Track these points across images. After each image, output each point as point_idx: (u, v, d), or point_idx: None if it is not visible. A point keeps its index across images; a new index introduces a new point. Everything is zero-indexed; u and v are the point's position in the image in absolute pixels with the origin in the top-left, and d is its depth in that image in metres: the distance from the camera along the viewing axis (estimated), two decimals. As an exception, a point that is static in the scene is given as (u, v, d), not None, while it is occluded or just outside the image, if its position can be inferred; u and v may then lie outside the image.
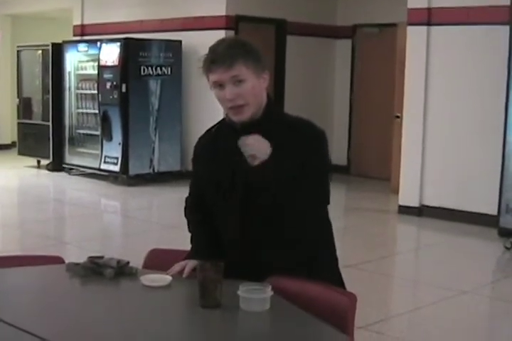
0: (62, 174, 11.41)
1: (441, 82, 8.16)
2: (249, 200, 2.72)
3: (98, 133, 10.67)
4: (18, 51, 12.48)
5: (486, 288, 5.97)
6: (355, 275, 5.76)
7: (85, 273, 2.74)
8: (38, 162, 12.09)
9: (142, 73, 10.20)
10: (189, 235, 3.00)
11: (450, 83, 8.11)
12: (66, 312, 2.47)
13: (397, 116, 9.39)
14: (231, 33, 10.12)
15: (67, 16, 13.15)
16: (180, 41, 10.58)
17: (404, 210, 8.46)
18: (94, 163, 10.75)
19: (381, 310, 5.25)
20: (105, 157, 10.53)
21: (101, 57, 10.46)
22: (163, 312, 2.48)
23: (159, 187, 10.24)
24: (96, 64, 10.61)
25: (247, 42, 2.81)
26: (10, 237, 7.41)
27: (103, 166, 10.59)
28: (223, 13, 10.24)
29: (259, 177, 2.61)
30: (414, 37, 8.29)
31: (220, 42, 2.75)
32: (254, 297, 2.37)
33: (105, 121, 10.42)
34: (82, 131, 11.17)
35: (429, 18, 8.12)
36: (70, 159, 11.39)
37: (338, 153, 11.26)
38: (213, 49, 2.72)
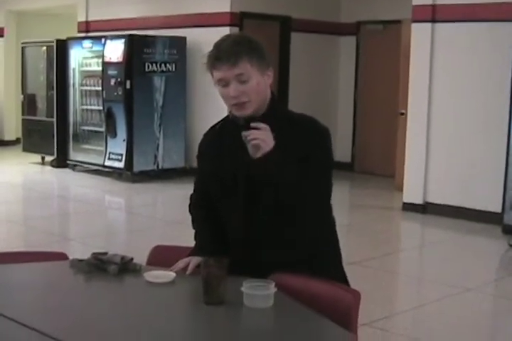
0: (67, 170, 11.42)
1: (445, 79, 8.15)
2: (252, 197, 2.72)
3: (102, 129, 10.68)
4: (22, 47, 12.48)
5: (490, 285, 5.97)
6: (359, 272, 5.76)
7: (89, 269, 2.74)
8: (43, 158, 12.10)
9: (146, 70, 10.20)
10: (193, 232, 3.00)
11: (454, 80, 8.09)
12: (70, 308, 2.47)
13: (402, 113, 9.39)
14: (235, 29, 10.12)
15: (72, 13, 13.16)
16: (184, 38, 10.58)
17: (409, 207, 8.45)
18: (98, 160, 10.76)
19: (385, 307, 5.25)
20: (109, 153, 10.54)
21: (105, 53, 10.46)
22: (167, 308, 2.49)
23: (163, 184, 10.24)
24: (100, 60, 10.61)
25: (252, 38, 2.80)
26: (14, 233, 7.42)
27: (107, 163, 10.60)
28: (228, 9, 10.24)
29: (261, 170, 2.59)
30: (419, 34, 8.28)
31: (225, 39, 2.74)
32: (258, 293, 2.38)
33: (109, 117, 10.43)
34: (86, 128, 11.18)
35: (433, 14, 8.11)
36: (75, 155, 11.40)
37: (342, 149, 11.26)
38: (218, 45, 2.71)
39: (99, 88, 10.63)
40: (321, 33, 11.42)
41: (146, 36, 10.40)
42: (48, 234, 7.28)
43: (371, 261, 6.43)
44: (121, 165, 10.34)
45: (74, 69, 11.32)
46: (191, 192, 3.08)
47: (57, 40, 11.51)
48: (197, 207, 3.03)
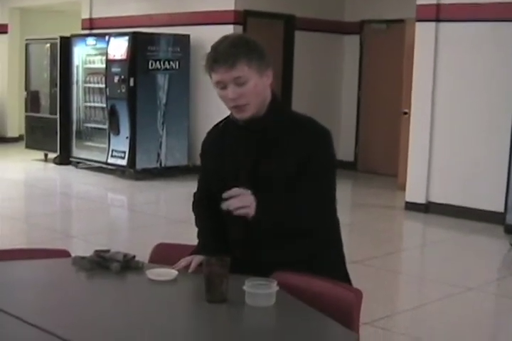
0: (70, 167, 11.43)
1: (449, 78, 8.14)
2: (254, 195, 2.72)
3: (105, 127, 10.69)
4: (26, 44, 12.49)
5: (492, 285, 5.97)
6: (361, 271, 5.77)
7: (91, 266, 2.74)
8: (46, 155, 12.11)
9: (150, 67, 10.20)
10: (196, 230, 3.00)
11: (458, 80, 8.09)
12: (72, 305, 2.48)
13: (405, 113, 9.38)
14: (239, 28, 10.13)
15: (76, 10, 13.16)
16: (188, 35, 10.58)
17: (411, 207, 8.45)
18: (101, 157, 10.77)
19: (387, 306, 5.25)
20: (112, 151, 10.54)
21: (109, 51, 10.47)
22: (169, 306, 2.49)
23: (166, 182, 10.25)
24: (104, 58, 10.61)
25: (251, 39, 2.77)
26: (17, 230, 7.42)
27: (110, 160, 10.60)
28: (232, 7, 10.24)
29: (263, 224, 2.63)
30: (423, 33, 8.27)
31: (223, 40, 2.71)
32: (260, 292, 2.38)
33: (113, 115, 10.43)
34: (89, 125, 11.18)
35: (437, 14, 8.10)
36: (78, 153, 11.41)
37: (345, 149, 11.27)
38: (215, 47, 2.68)
39: (103, 85, 10.64)
40: (324, 31, 11.41)
41: (149, 34, 10.39)
42: (50, 231, 7.29)
43: (373, 260, 6.43)
44: (124, 162, 10.35)
45: (77, 67, 11.33)
46: (194, 190, 3.09)
47: (61, 37, 11.51)
48: (200, 205, 3.03)
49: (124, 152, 10.31)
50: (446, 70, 8.14)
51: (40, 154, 12.12)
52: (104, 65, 10.60)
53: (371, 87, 11.41)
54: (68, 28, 13.02)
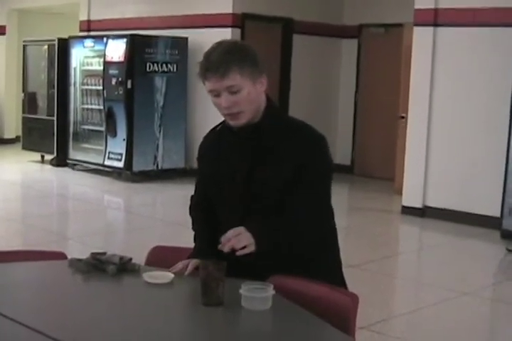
0: (66, 169, 11.42)
1: (446, 83, 8.15)
2: (249, 200, 2.72)
3: (102, 129, 10.68)
4: (24, 46, 12.48)
5: (488, 289, 5.97)
6: (357, 276, 5.76)
7: (88, 269, 2.74)
8: (42, 157, 12.10)
9: (148, 70, 10.20)
10: (192, 232, 3.00)
11: (455, 84, 8.10)
12: (68, 308, 2.48)
13: (402, 117, 9.39)
14: (237, 31, 10.12)
15: (74, 11, 13.16)
16: (186, 38, 10.58)
17: (408, 211, 8.46)
18: (98, 159, 10.77)
19: (383, 310, 5.25)
20: (109, 153, 10.54)
21: (107, 53, 10.47)
22: (165, 309, 2.49)
23: (163, 184, 10.25)
24: (102, 60, 10.61)
25: (244, 46, 2.76)
26: (13, 232, 7.41)
27: (107, 162, 10.60)
28: (230, 10, 10.24)
29: (269, 250, 2.61)
30: (421, 37, 8.28)
31: (216, 47, 2.69)
32: (256, 295, 2.38)
33: (110, 117, 10.43)
34: (86, 127, 11.17)
35: (435, 18, 8.11)
36: (74, 154, 11.40)
37: (342, 152, 11.27)
38: (208, 55, 2.67)
39: (100, 87, 10.64)
40: (323, 35, 11.42)
41: (147, 36, 10.40)
42: (46, 233, 7.28)
43: (369, 264, 6.43)
44: (120, 164, 10.34)
45: (75, 68, 11.32)
46: (191, 192, 3.09)
47: (59, 39, 11.50)
48: (197, 209, 3.03)
49: (121, 154, 10.30)
50: (444, 75, 8.15)
51: (36, 156, 12.11)
52: (101, 67, 10.60)
53: (368, 91, 11.42)
54: (66, 29, 13.03)
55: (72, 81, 11.36)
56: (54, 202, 9.49)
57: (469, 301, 5.50)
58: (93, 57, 11.00)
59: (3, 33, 14.68)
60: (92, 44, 11.01)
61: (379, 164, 11.15)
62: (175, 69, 10.48)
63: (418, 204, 8.38)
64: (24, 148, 12.44)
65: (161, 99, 10.38)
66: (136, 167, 10.28)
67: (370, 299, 5.12)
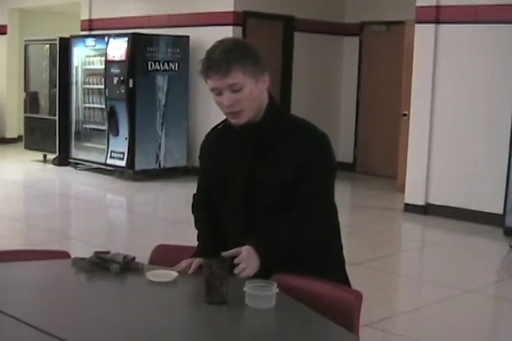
0: (68, 168, 11.42)
1: (448, 80, 8.14)
2: (251, 198, 2.72)
3: (105, 128, 10.69)
4: (25, 45, 12.48)
5: (491, 287, 5.97)
6: (360, 273, 5.77)
7: (91, 268, 2.74)
8: (45, 156, 12.10)
9: (149, 68, 10.20)
10: (195, 231, 3.00)
11: (457, 81, 8.09)
12: (71, 307, 2.47)
13: (404, 114, 9.38)
14: (239, 29, 10.12)
15: (75, 11, 13.16)
16: (187, 37, 10.58)
17: (410, 208, 8.45)
18: (100, 158, 10.77)
19: (386, 308, 5.25)
20: (111, 152, 10.54)
21: (108, 52, 10.47)
22: (169, 308, 2.49)
23: (165, 183, 10.25)
24: (103, 59, 10.61)
25: (246, 44, 2.75)
26: (15, 231, 7.42)
27: (109, 161, 10.60)
28: (231, 8, 10.24)
29: (278, 260, 2.62)
30: (422, 35, 8.27)
31: (218, 45, 2.67)
32: (260, 294, 2.37)
33: (112, 116, 10.43)
34: (88, 126, 11.17)
35: (437, 16, 8.10)
36: (77, 154, 11.40)
37: (344, 150, 11.27)
38: (210, 53, 2.66)
39: (102, 86, 10.64)
40: (324, 33, 11.41)
41: (149, 35, 10.40)
42: (49, 232, 7.28)
43: (372, 261, 6.43)
44: (123, 163, 10.34)
45: (77, 68, 11.33)
46: (193, 191, 3.08)
47: (60, 38, 11.51)
48: (199, 207, 3.02)
49: (123, 153, 10.30)
50: (446, 72, 8.14)
51: (39, 155, 12.12)
52: (103, 66, 10.60)
53: (370, 89, 11.41)
54: (67, 29, 13.03)
55: (74, 80, 11.36)
56: (56, 202, 9.49)
57: (472, 299, 5.50)
58: (95, 56, 11.00)
59: (5, 33, 14.68)
60: (94, 43, 11.01)
61: (381, 162, 11.15)
62: (176, 68, 10.48)
63: (420, 202, 8.37)
64: (26, 147, 12.44)
65: (163, 97, 10.37)
66: (139, 166, 10.28)
67: (373, 297, 5.12)
